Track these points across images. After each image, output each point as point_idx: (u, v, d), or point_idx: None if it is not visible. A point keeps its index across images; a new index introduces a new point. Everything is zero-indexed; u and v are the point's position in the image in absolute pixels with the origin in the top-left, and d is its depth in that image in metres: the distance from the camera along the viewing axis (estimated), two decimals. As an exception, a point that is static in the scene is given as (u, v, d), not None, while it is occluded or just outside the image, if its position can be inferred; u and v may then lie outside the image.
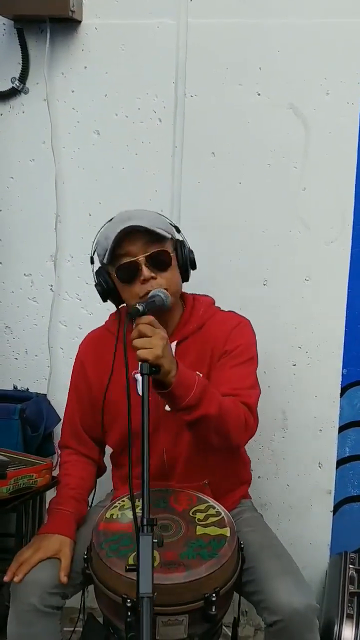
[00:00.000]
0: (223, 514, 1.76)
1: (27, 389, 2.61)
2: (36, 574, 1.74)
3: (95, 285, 1.95)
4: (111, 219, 1.94)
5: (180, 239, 1.96)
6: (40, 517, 2.43)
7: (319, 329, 2.41)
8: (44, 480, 1.84)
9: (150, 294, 1.78)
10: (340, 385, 2.44)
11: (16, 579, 1.74)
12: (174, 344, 1.92)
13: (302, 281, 2.39)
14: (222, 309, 2.08)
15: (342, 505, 2.51)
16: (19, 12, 2.33)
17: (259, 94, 2.31)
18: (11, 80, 2.45)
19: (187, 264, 1.93)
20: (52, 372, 2.60)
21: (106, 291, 1.93)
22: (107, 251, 1.83)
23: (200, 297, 2.06)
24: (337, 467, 2.49)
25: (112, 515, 1.77)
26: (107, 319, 2.11)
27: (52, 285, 2.56)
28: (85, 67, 2.42)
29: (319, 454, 2.49)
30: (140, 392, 1.58)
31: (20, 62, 2.43)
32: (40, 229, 2.53)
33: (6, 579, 1.76)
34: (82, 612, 1.91)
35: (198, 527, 1.71)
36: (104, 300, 1.97)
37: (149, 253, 1.83)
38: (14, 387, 2.64)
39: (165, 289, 1.82)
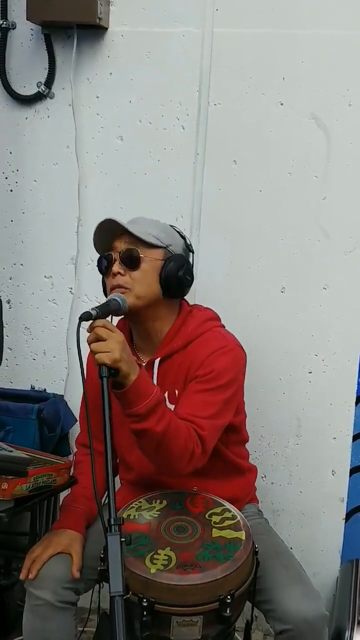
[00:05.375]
0: (239, 517, 1.78)
1: (45, 390, 2.63)
2: (49, 569, 1.77)
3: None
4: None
5: (182, 256, 1.95)
6: (54, 516, 2.45)
7: (335, 337, 2.42)
8: (62, 480, 1.86)
9: (108, 297, 1.82)
10: (355, 394, 2.44)
11: (30, 576, 1.77)
12: (157, 362, 1.93)
13: (320, 289, 2.40)
14: (222, 325, 2.04)
15: (354, 513, 2.52)
16: (47, 18, 2.37)
17: (281, 104, 2.34)
18: (37, 85, 2.49)
19: (167, 280, 1.89)
20: (69, 373, 2.63)
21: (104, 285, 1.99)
22: (97, 248, 1.94)
23: (198, 310, 2.03)
24: (350, 475, 2.49)
25: (128, 515, 1.79)
26: None
27: (71, 288, 2.59)
28: (111, 73, 2.45)
29: (333, 461, 2.50)
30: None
31: (47, 67, 2.47)
32: (62, 232, 2.57)
33: (22, 577, 1.79)
34: (97, 611, 1.93)
35: (214, 529, 1.73)
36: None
37: (122, 250, 1.88)
38: (31, 387, 2.67)
39: (128, 287, 1.85)
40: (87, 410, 1.68)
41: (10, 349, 2.68)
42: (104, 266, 1.93)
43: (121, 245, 1.89)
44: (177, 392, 1.92)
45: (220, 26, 2.34)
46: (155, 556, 1.62)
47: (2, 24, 2.48)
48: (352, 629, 2.10)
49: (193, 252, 2.03)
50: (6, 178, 2.60)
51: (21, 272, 2.65)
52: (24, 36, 2.50)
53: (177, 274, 1.90)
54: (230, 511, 1.81)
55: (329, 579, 2.53)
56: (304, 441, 2.50)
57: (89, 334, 1.64)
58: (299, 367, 2.46)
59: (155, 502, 1.84)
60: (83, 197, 2.53)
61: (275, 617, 1.72)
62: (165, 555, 1.63)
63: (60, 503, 2.10)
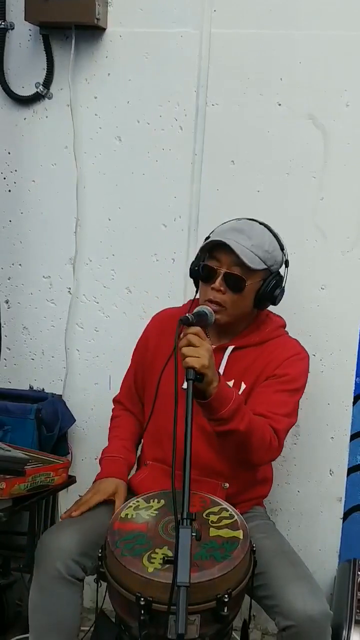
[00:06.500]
0: (236, 516, 1.78)
1: (43, 390, 2.64)
2: (62, 539, 1.83)
3: (191, 263, 2.06)
4: (240, 219, 2.05)
5: (279, 272, 2.03)
6: (52, 515, 2.46)
7: (333, 337, 2.43)
8: (60, 479, 1.87)
9: (198, 309, 1.87)
10: (353, 394, 2.45)
11: (75, 513, 1.88)
12: (230, 348, 2.03)
13: (318, 289, 2.41)
14: (289, 334, 2.14)
15: (352, 512, 2.53)
16: (45, 18, 2.37)
17: (279, 104, 2.34)
18: (35, 86, 2.49)
19: (262, 298, 1.99)
20: (67, 373, 2.64)
21: (194, 272, 2.04)
22: (205, 244, 1.98)
23: (274, 316, 2.15)
24: (348, 475, 2.50)
25: (126, 515, 1.79)
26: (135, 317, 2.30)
27: (70, 288, 2.60)
28: (109, 74, 2.46)
29: (331, 461, 2.50)
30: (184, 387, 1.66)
31: (45, 67, 2.48)
32: (60, 233, 2.58)
33: (63, 516, 1.90)
34: (96, 610, 1.94)
35: (211, 529, 1.73)
36: (191, 277, 2.07)
37: (229, 271, 1.93)
38: (30, 387, 2.68)
39: (223, 306, 1.93)
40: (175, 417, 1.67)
41: (9, 349, 2.68)
42: (205, 274, 1.97)
43: (228, 261, 1.93)
44: (243, 384, 2.01)
45: (218, 27, 2.35)
46: (153, 555, 1.62)
47: (0, 25, 2.48)
48: (350, 628, 2.11)
49: (288, 266, 2.08)
50: (4, 178, 2.60)
51: (19, 272, 2.65)
52: (22, 37, 2.50)
53: (273, 295, 2.00)
54: (227, 510, 1.81)
55: (327, 578, 2.53)
56: (301, 441, 2.51)
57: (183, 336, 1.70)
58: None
59: (153, 502, 1.85)
60: (81, 197, 2.53)
61: (279, 613, 1.73)
62: (162, 554, 1.63)
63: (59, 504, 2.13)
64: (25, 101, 2.52)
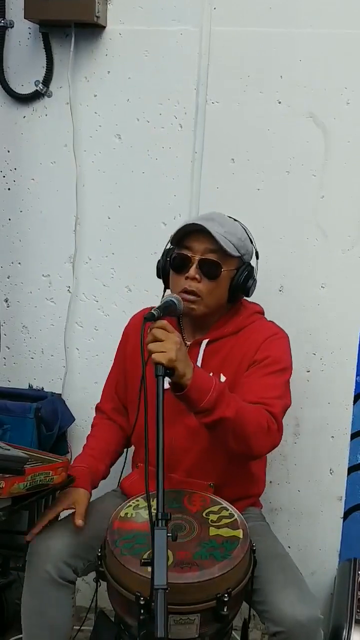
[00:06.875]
0: (236, 516, 1.78)
1: (42, 389, 2.64)
2: (51, 542, 1.83)
3: (157, 261, 2.03)
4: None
5: (250, 264, 2.01)
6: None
7: (333, 336, 2.42)
8: (59, 478, 1.85)
9: (164, 300, 1.83)
10: (353, 393, 2.45)
11: (35, 530, 1.85)
12: (204, 342, 1.99)
13: (318, 288, 2.40)
14: (267, 319, 2.10)
15: (352, 512, 2.52)
16: (44, 16, 2.37)
17: (279, 102, 2.34)
18: (35, 84, 2.49)
19: (236, 288, 1.97)
20: (67, 372, 2.64)
21: (161, 269, 2.01)
22: (177, 232, 1.94)
23: (249, 303, 2.10)
24: (348, 474, 2.50)
25: (126, 514, 1.79)
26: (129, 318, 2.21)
27: (69, 287, 2.59)
28: (109, 72, 2.45)
29: (331, 460, 2.50)
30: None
31: (45, 65, 2.47)
32: (60, 231, 2.57)
33: (28, 538, 1.86)
34: (95, 609, 1.93)
35: (211, 528, 1.73)
36: (159, 277, 2.04)
37: (204, 257, 1.90)
38: (29, 386, 2.68)
39: (199, 296, 1.90)
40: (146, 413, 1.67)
41: (8, 348, 2.68)
42: (178, 264, 1.93)
43: (200, 248, 1.91)
44: (222, 376, 1.96)
45: (218, 25, 2.34)
46: (153, 554, 1.62)
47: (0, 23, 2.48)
48: (350, 628, 2.10)
49: (258, 258, 2.06)
50: (4, 177, 2.60)
51: (19, 270, 2.65)
52: (22, 35, 2.49)
53: (246, 285, 1.98)
54: (227, 509, 1.81)
55: (327, 577, 2.53)
56: (302, 440, 2.50)
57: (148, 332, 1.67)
58: (297, 365, 2.43)
59: (153, 501, 1.83)
60: (81, 195, 2.53)
61: (269, 619, 1.72)
62: (162, 553, 1.62)
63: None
64: (24, 99, 2.52)
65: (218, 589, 1.58)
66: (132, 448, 2.19)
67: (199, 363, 1.97)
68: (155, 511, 1.44)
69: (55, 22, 2.39)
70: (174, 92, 2.40)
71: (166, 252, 2.00)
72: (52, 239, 2.59)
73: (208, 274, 1.91)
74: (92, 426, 2.21)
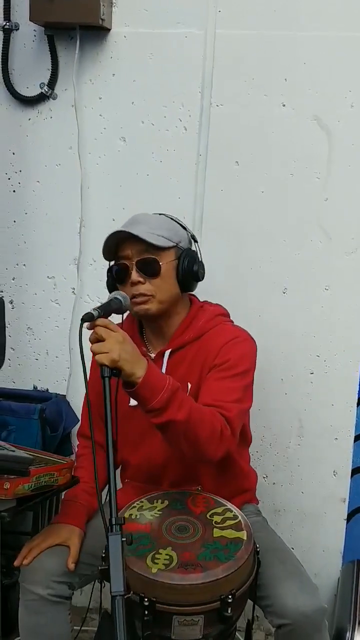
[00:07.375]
0: (240, 517, 1.78)
1: (47, 390, 2.65)
2: (43, 562, 1.79)
3: (106, 281, 2.00)
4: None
5: (190, 248, 1.98)
6: (56, 515, 2.46)
7: (337, 338, 2.43)
8: (64, 479, 1.86)
9: (109, 296, 1.80)
10: (357, 395, 2.45)
11: (25, 561, 1.79)
12: (167, 353, 1.97)
13: (321, 290, 2.41)
14: (231, 320, 2.07)
15: (355, 513, 2.52)
16: (49, 19, 2.37)
17: (283, 105, 2.34)
18: (40, 86, 2.49)
19: (184, 277, 1.94)
20: (71, 373, 2.64)
21: (110, 286, 1.98)
22: (104, 251, 1.92)
23: (209, 306, 2.07)
24: (352, 476, 2.50)
25: (130, 515, 1.79)
26: None
27: (74, 288, 2.60)
28: (114, 74, 2.46)
29: (334, 462, 2.50)
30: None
31: (50, 68, 2.48)
32: (65, 233, 2.58)
33: (16, 563, 1.82)
34: (99, 610, 1.94)
35: (215, 529, 1.73)
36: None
37: (140, 258, 1.89)
38: (34, 387, 2.68)
39: (150, 295, 1.89)
40: (90, 408, 1.67)
41: (13, 349, 2.69)
42: (119, 276, 1.92)
43: (132, 252, 1.89)
44: (189, 384, 1.94)
45: (222, 27, 2.35)
46: (157, 556, 1.63)
47: (5, 25, 2.49)
48: (353, 630, 2.11)
49: (197, 241, 2.05)
50: (9, 179, 2.61)
51: (24, 272, 2.66)
52: (27, 37, 2.50)
53: (192, 270, 1.95)
54: (231, 511, 1.81)
55: (330, 579, 2.53)
56: (305, 442, 2.51)
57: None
58: (301, 367, 2.47)
59: (157, 502, 1.85)
60: (85, 198, 2.53)
61: (272, 612, 1.73)
62: (166, 555, 1.63)
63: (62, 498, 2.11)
64: (29, 102, 2.53)
65: (222, 590, 1.58)
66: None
67: None
68: (109, 517, 1.42)
69: (60, 24, 2.39)
70: (179, 94, 2.41)
71: (109, 270, 1.97)
72: (57, 241, 2.60)
73: (149, 272, 1.89)
74: (78, 456, 2.12)
